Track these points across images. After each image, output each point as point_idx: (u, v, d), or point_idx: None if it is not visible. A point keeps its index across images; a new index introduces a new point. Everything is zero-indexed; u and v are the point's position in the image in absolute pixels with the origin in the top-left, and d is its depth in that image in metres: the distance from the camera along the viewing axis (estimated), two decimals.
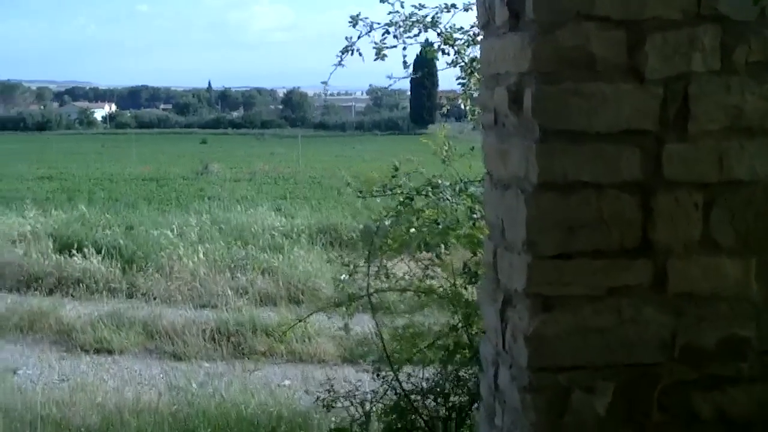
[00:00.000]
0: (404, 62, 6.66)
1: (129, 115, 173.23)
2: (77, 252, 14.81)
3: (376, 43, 6.47)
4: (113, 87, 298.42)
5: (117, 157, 71.59)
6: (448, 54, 6.35)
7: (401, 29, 6.26)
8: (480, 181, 5.84)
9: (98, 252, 14.91)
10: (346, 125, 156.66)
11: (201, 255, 14.86)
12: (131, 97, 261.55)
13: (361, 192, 6.66)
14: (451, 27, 6.23)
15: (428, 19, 6.22)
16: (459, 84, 6.70)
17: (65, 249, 15.33)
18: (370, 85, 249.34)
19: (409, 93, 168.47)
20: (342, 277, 6.91)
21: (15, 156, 74.06)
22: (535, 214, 2.20)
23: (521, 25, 2.27)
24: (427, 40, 6.40)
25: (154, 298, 13.48)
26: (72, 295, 13.84)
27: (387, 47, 6.42)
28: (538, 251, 2.21)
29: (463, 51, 6.30)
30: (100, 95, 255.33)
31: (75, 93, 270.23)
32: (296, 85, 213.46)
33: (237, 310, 12.79)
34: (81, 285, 13.95)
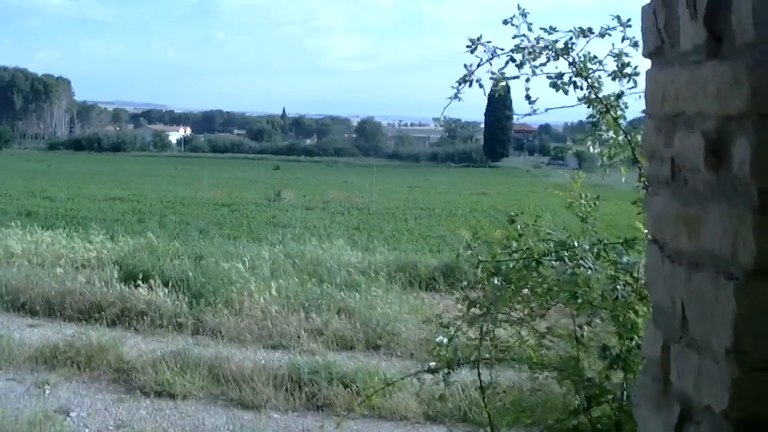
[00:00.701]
0: (527, 96, 5.64)
1: (203, 138, 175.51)
2: (143, 282, 13.94)
3: (493, 73, 5.50)
4: (188, 111, 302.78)
5: (190, 181, 71.72)
6: (580, 88, 5.29)
7: (529, 56, 5.25)
8: (623, 244, 4.92)
9: (165, 283, 14.04)
10: (419, 156, 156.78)
11: (273, 291, 13.93)
12: (206, 121, 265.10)
13: (481, 261, 5.60)
14: (584, 55, 5.20)
15: (559, 45, 5.21)
16: (590, 122, 5.61)
17: (130, 278, 14.48)
18: (444, 117, 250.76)
19: (482, 126, 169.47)
20: (439, 340, 5.83)
21: (89, 176, 74.70)
22: (748, 311, 1.45)
23: (727, 50, 1.51)
24: (557, 70, 5.35)
25: (222, 336, 12.50)
26: (135, 329, 12.95)
27: (506, 78, 5.46)
28: (750, 361, 1.46)
29: (597, 85, 5.25)
30: (175, 118, 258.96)
31: (151, 115, 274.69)
32: (370, 114, 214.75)
33: (310, 354, 11.83)
34: (145, 318, 13.05)
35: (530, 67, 5.34)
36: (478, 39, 5.43)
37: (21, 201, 43.80)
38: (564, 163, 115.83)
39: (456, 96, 5.67)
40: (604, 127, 5.44)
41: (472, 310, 5.67)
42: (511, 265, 5.25)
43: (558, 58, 5.19)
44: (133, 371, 10.51)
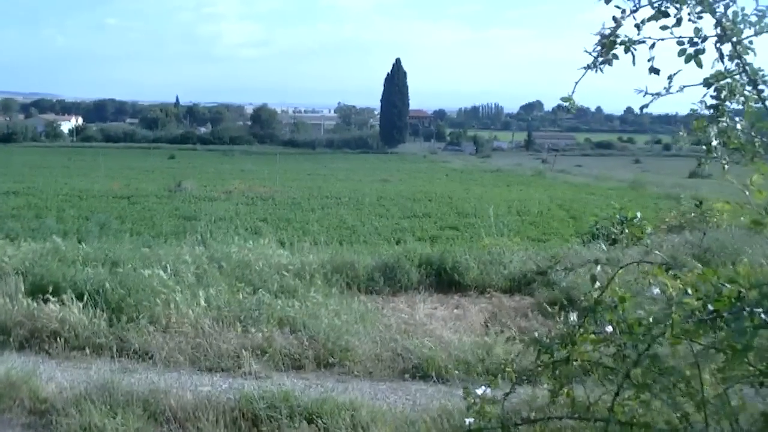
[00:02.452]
0: (652, 68, 4.14)
1: (95, 128, 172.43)
2: (53, 296, 12.11)
3: (616, 37, 4.06)
4: (80, 100, 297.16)
5: (84, 171, 69.67)
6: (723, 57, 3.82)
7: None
8: None
9: (79, 296, 12.22)
10: (315, 143, 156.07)
11: (202, 301, 12.30)
12: (98, 111, 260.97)
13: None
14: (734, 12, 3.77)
15: None
16: (710, 108, 4.13)
17: (38, 291, 12.64)
18: (339, 103, 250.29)
19: (378, 112, 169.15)
20: (469, 423, 4.87)
21: None
22: None
23: None
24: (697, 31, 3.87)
25: (150, 358, 10.85)
26: (47, 352, 11.16)
27: (632, 42, 3.99)
28: None
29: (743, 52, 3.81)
30: (66, 108, 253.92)
31: (41, 105, 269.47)
32: (264, 101, 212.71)
33: (255, 377, 10.31)
34: (59, 339, 11.27)
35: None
36: None
37: None
38: (460, 149, 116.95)
39: (595, 65, 4.18)
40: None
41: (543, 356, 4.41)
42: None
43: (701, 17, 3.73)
44: (52, 412, 8.69)
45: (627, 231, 17.90)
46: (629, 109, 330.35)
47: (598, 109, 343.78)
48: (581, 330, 4.41)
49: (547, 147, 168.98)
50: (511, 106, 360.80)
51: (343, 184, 62.37)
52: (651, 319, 4.04)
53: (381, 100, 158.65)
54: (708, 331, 3.78)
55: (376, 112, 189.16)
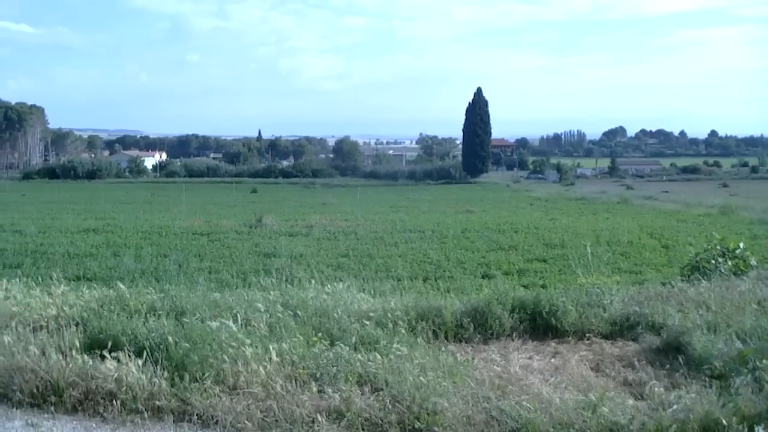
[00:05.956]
0: None
1: (179, 163, 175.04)
2: (111, 353, 11.00)
3: None
4: (163, 135, 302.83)
5: (167, 207, 69.94)
6: None
7: None
8: None
9: (138, 353, 11.10)
10: (397, 174, 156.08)
11: (275, 356, 11.11)
12: (181, 146, 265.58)
13: None
14: None
15: None
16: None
17: (95, 346, 11.55)
18: (420, 134, 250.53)
19: (459, 142, 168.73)
20: None
21: (63, 205, 72.58)
22: None
23: None
24: None
25: (216, 423, 9.67)
26: (102, 416, 10.03)
27: None
28: None
29: None
30: (150, 144, 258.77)
31: (125, 141, 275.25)
32: (345, 133, 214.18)
33: None
34: (115, 402, 10.17)
35: None
36: None
37: None
38: (543, 177, 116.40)
39: None
40: None
41: None
42: None
43: None
44: None
45: (730, 263, 16.20)
46: (714, 132, 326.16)
47: (682, 133, 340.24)
48: None
49: (632, 173, 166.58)
50: (594, 132, 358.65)
51: (426, 216, 61.47)
52: None
53: (463, 130, 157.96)
54: None
55: (458, 142, 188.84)
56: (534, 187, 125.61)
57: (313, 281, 16.44)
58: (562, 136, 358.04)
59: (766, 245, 36.16)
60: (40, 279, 17.58)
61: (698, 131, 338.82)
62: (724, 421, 8.22)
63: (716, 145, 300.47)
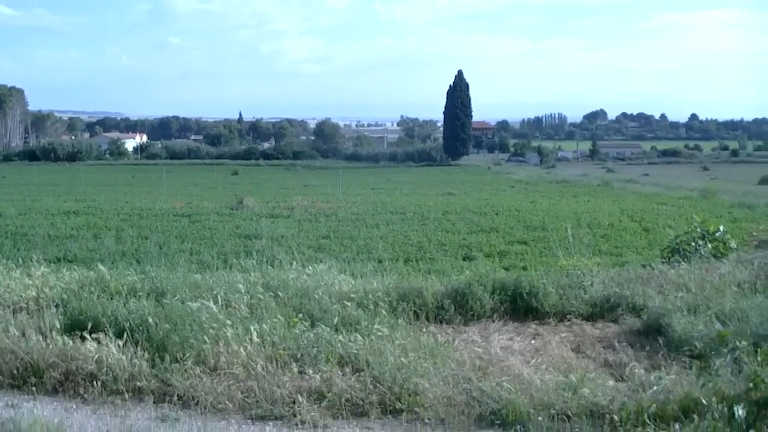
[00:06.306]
0: None
1: (160, 145, 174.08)
2: (91, 334, 10.97)
3: None
4: (144, 118, 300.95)
5: (147, 189, 69.66)
6: None
7: None
8: None
9: (119, 334, 11.08)
10: (379, 156, 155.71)
11: (255, 337, 11.11)
12: (162, 128, 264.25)
13: None
14: None
15: None
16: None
17: (76, 327, 11.53)
18: (401, 116, 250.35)
19: (440, 125, 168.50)
20: None
21: (43, 188, 72.22)
22: None
23: None
24: None
25: (196, 404, 9.68)
26: (83, 397, 10.03)
27: None
28: None
29: None
30: (131, 126, 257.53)
31: (106, 123, 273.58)
32: (327, 116, 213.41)
33: (312, 426, 9.12)
34: (95, 383, 10.15)
35: None
36: None
37: None
38: (524, 160, 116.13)
39: None
40: None
41: None
42: None
43: None
44: None
45: (710, 246, 16.30)
46: (694, 116, 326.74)
47: (663, 116, 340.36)
48: None
49: (613, 156, 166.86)
50: (575, 115, 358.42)
51: (407, 198, 61.41)
52: None
53: (444, 113, 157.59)
54: None
55: (439, 125, 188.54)
56: (515, 170, 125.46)
57: (294, 263, 16.47)
58: (543, 119, 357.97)
59: (746, 228, 36.29)
60: (20, 261, 17.49)
61: (679, 115, 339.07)
62: (704, 401, 8.26)
63: (697, 128, 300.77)
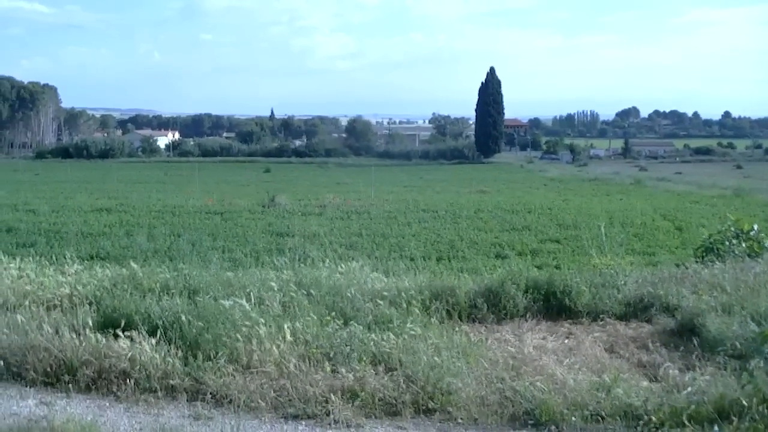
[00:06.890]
0: None
1: (192, 143, 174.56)
2: (124, 332, 10.99)
3: None
4: (176, 115, 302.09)
5: (180, 186, 69.92)
6: None
7: None
8: None
9: (152, 332, 11.10)
10: (411, 154, 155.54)
11: (288, 336, 11.09)
12: (194, 125, 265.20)
13: None
14: None
15: None
16: None
17: (109, 325, 11.55)
18: (433, 114, 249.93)
19: (472, 122, 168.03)
20: None
21: (76, 185, 72.62)
22: None
23: None
24: None
25: (229, 402, 9.67)
26: (116, 395, 10.04)
27: None
28: None
29: None
30: (163, 123, 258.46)
31: (138, 121, 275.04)
32: (358, 113, 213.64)
33: (345, 425, 9.08)
34: (128, 380, 10.16)
35: None
36: None
37: (2, 215, 41.66)
38: (557, 157, 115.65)
39: None
40: None
41: None
42: None
43: None
44: None
45: (744, 245, 16.08)
46: (727, 113, 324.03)
47: (696, 114, 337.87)
48: None
49: (645, 154, 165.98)
50: (607, 113, 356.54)
51: (439, 196, 61.39)
52: None
53: (476, 110, 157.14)
54: None
55: (470, 122, 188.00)
56: (547, 168, 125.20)
57: (326, 260, 16.44)
58: (575, 117, 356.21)
59: None
60: (53, 258, 17.58)
61: (712, 112, 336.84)
62: (745, 402, 8.17)
63: (730, 126, 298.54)
